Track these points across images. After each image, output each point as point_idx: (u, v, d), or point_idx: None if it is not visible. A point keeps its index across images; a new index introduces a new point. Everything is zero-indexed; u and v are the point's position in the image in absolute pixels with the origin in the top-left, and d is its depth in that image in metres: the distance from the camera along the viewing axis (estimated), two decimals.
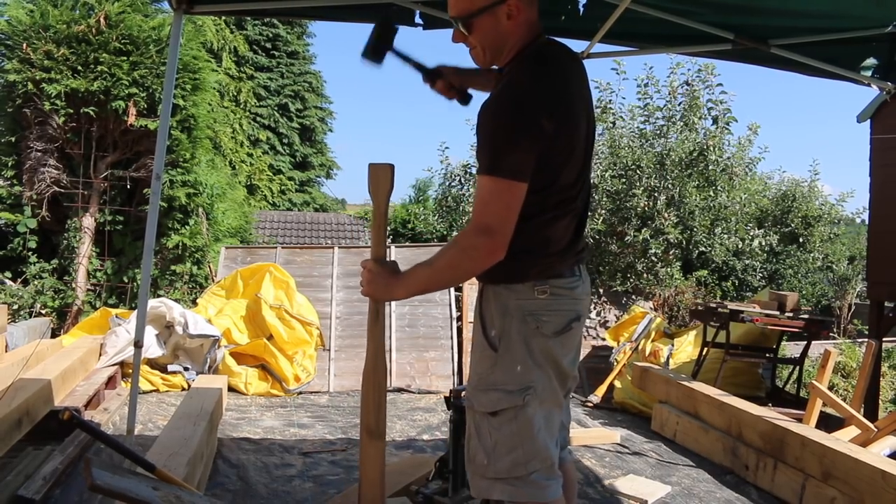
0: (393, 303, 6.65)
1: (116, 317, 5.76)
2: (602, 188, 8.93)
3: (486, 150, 1.66)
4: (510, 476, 1.78)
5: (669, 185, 8.63)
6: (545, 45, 1.84)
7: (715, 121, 8.94)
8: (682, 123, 9.03)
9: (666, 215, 8.41)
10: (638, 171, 8.86)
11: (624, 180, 8.94)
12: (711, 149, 8.66)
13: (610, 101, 9.97)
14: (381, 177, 1.93)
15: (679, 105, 9.15)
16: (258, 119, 18.07)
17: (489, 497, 1.84)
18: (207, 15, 7.46)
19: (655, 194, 8.57)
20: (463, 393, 3.02)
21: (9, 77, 7.10)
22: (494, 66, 1.91)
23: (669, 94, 9.22)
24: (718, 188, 8.94)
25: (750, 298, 8.16)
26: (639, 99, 9.58)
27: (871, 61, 3.54)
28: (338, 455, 4.07)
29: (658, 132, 9.25)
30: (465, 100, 2.16)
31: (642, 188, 8.60)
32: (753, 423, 3.98)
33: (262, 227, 13.53)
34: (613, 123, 9.75)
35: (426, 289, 1.84)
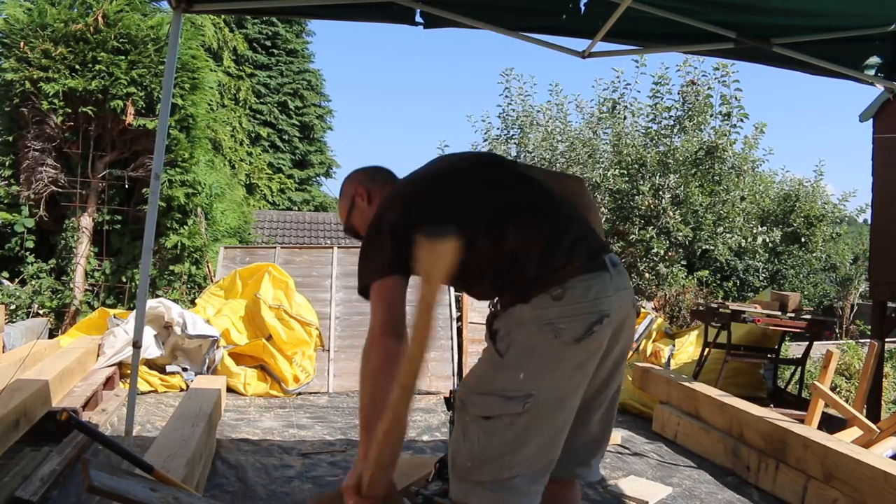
0: None
1: (114, 317, 5.74)
2: (604, 187, 8.91)
3: (358, 272, 1.86)
4: (493, 479, 1.73)
5: (672, 184, 8.63)
6: None
7: (727, 116, 8.93)
8: (691, 124, 9.01)
9: (671, 214, 8.40)
10: (642, 170, 8.85)
11: (626, 179, 8.93)
12: (722, 148, 8.65)
13: (622, 95, 9.94)
14: (442, 256, 1.46)
15: (686, 106, 9.14)
16: (258, 116, 18.07)
17: (466, 501, 1.77)
18: (206, 14, 7.44)
19: (661, 193, 8.57)
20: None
21: (6, 76, 7.08)
22: None
23: (679, 94, 9.22)
24: (724, 187, 8.93)
25: (751, 299, 8.15)
26: (649, 97, 9.58)
27: (874, 60, 3.52)
28: (337, 456, 4.05)
29: (664, 132, 9.25)
30: None
31: (648, 186, 8.59)
32: (755, 424, 3.96)
33: (261, 226, 13.52)
34: (624, 118, 9.75)
35: (365, 423, 1.73)
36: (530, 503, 1.76)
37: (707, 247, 9.15)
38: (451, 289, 6.74)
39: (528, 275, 1.75)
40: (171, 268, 7.55)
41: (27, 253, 7.25)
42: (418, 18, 3.39)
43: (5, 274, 7.26)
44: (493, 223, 1.82)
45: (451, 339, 6.46)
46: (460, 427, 1.81)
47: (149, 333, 5.41)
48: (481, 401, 1.77)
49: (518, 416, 1.72)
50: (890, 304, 5.87)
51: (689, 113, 9.13)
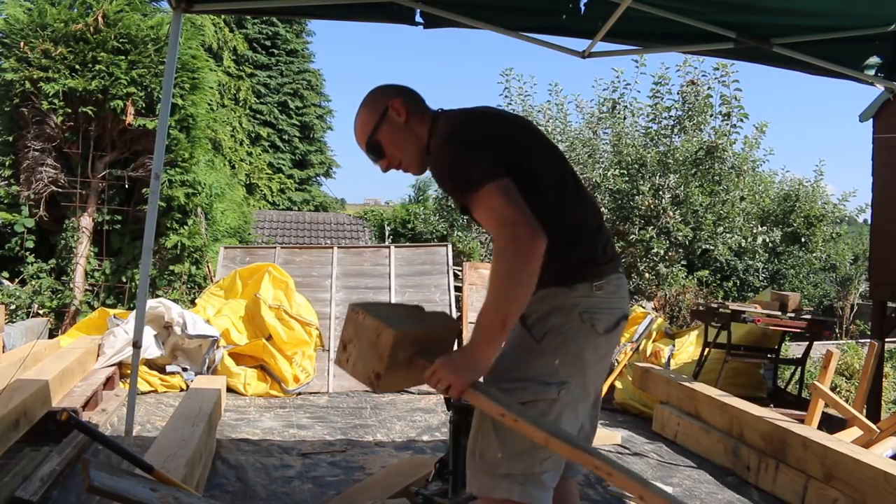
0: (392, 302, 6.62)
1: (114, 317, 5.73)
2: (605, 187, 8.91)
3: (458, 178, 1.72)
4: (524, 473, 1.73)
5: (672, 184, 8.63)
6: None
7: (727, 116, 8.94)
8: (691, 124, 9.02)
9: (671, 214, 8.40)
10: (642, 170, 8.85)
11: (626, 179, 8.93)
12: (722, 148, 8.66)
13: (622, 95, 9.94)
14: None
15: (686, 106, 9.14)
16: (258, 116, 18.07)
17: (490, 495, 1.76)
18: (206, 14, 7.44)
19: (661, 193, 8.57)
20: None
21: (6, 76, 7.08)
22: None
23: (679, 94, 9.23)
24: (724, 187, 8.94)
25: (751, 299, 8.15)
26: (649, 97, 9.58)
27: (874, 60, 3.52)
28: (337, 456, 4.05)
29: (664, 132, 9.26)
30: None
31: (648, 186, 8.59)
32: (755, 424, 3.96)
33: (261, 226, 13.51)
34: (624, 118, 9.76)
35: (502, 322, 1.64)
36: (548, 500, 1.77)
37: (707, 247, 9.15)
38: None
39: (578, 258, 1.78)
40: (171, 268, 7.54)
41: (27, 253, 7.25)
42: (418, 18, 3.39)
43: (5, 274, 7.26)
44: (562, 185, 1.83)
45: None
46: (488, 419, 1.76)
47: (149, 333, 5.41)
48: (514, 387, 1.75)
49: (553, 404, 1.74)
50: (890, 304, 5.86)
51: (689, 113, 9.13)
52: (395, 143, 1.90)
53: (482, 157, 1.70)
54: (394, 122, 1.89)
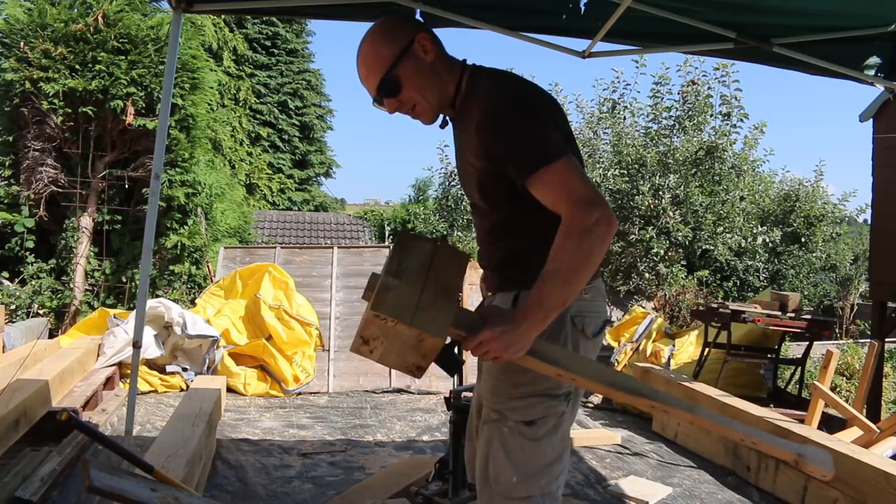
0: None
1: (115, 317, 5.73)
2: (605, 187, 8.91)
3: (527, 147, 1.56)
4: (542, 493, 1.66)
5: (672, 184, 8.64)
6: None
7: (727, 116, 8.95)
8: (690, 124, 9.03)
9: (671, 214, 8.41)
10: (642, 170, 8.86)
11: (626, 179, 8.94)
12: (722, 148, 8.67)
13: (622, 95, 9.95)
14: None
15: (686, 106, 9.16)
16: (258, 116, 18.08)
17: None
18: (206, 14, 7.44)
19: (661, 193, 8.58)
20: (462, 395, 3.00)
21: (6, 76, 7.08)
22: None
23: (680, 94, 9.24)
24: (724, 187, 8.95)
25: (752, 299, 8.15)
26: (649, 97, 9.60)
27: (874, 60, 3.52)
28: (337, 456, 4.05)
29: (664, 132, 9.27)
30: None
31: (648, 186, 8.60)
32: (755, 424, 3.94)
33: (261, 226, 13.52)
34: (624, 118, 9.77)
35: (565, 300, 1.53)
36: None
37: (707, 247, 9.16)
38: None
39: None
40: (171, 268, 7.55)
41: (27, 253, 7.25)
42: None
43: (5, 274, 7.26)
44: None
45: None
46: (498, 442, 1.68)
47: (149, 333, 5.41)
48: (523, 404, 1.67)
49: (562, 416, 1.69)
50: (890, 304, 5.87)
51: (689, 113, 9.14)
52: (416, 84, 1.67)
53: (554, 130, 1.58)
54: (419, 59, 1.66)
